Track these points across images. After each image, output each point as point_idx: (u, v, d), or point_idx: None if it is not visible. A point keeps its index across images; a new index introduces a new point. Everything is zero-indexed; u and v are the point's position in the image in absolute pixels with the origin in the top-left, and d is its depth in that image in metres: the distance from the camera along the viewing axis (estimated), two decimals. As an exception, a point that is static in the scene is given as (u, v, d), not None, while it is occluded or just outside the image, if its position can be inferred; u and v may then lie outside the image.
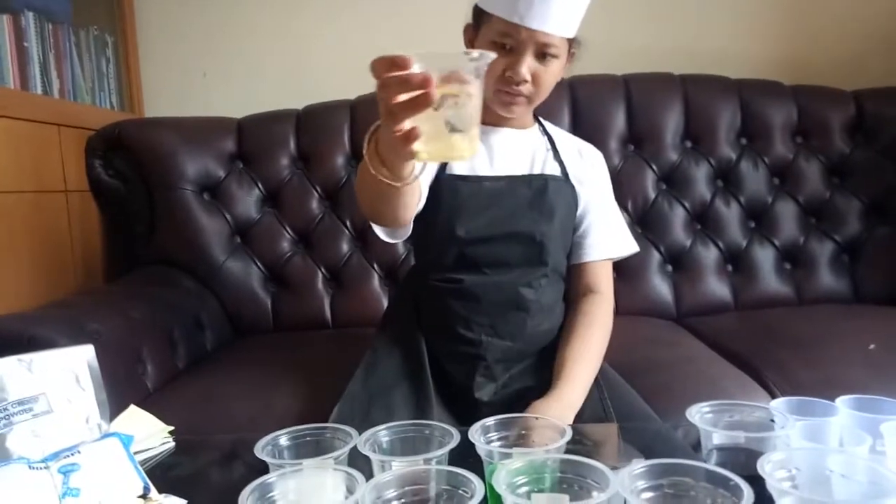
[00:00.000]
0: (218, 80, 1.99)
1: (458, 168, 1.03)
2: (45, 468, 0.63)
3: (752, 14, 1.95)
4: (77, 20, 1.71)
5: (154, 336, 1.34)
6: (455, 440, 0.62)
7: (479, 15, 1.00)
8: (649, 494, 0.52)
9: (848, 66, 1.90)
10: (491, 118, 1.04)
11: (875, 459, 0.61)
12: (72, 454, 0.66)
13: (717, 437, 0.68)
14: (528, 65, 0.95)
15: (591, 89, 1.75)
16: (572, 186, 1.07)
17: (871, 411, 0.72)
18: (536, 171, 1.06)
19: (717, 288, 1.68)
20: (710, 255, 1.69)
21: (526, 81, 0.96)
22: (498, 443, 0.65)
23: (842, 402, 0.74)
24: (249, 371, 1.34)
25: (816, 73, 1.85)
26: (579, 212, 1.09)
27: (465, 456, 0.63)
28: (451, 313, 1.01)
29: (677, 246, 1.70)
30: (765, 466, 0.53)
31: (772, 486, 0.52)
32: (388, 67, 0.56)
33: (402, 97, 0.57)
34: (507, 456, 0.61)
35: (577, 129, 1.71)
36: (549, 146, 1.09)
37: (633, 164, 1.72)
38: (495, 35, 0.96)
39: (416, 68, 0.57)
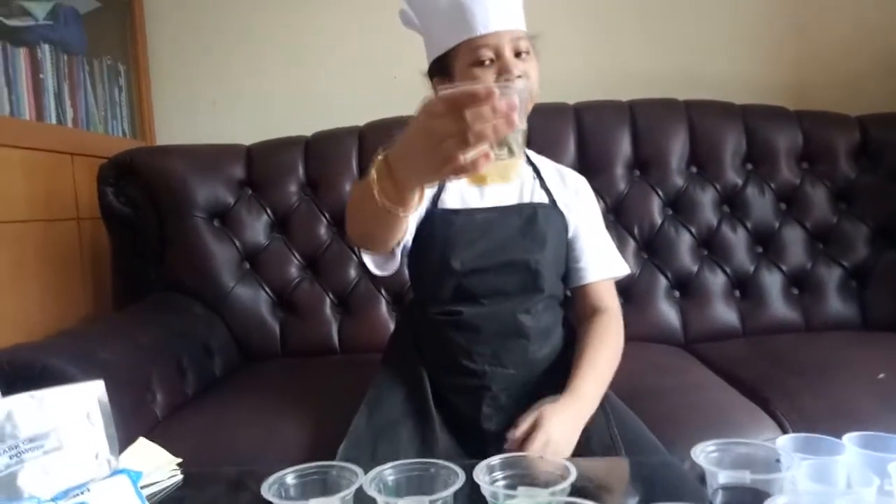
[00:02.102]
0: (228, 107, 2.02)
1: (450, 202, 1.06)
2: (55, 507, 0.64)
3: (755, 38, 1.97)
4: (91, 51, 1.74)
5: (163, 364, 1.35)
6: (460, 481, 0.63)
7: (442, 63, 1.03)
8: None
9: (852, 90, 1.90)
10: None
11: (883, 502, 0.61)
12: (81, 493, 0.66)
13: (723, 477, 0.68)
14: (514, 62, 0.98)
15: (597, 115, 1.77)
16: (561, 213, 1.09)
17: (878, 449, 0.72)
18: (526, 200, 1.08)
19: (725, 314, 1.68)
20: (717, 280, 1.69)
21: (520, 77, 0.98)
22: (503, 482, 0.65)
23: (849, 439, 0.73)
24: (257, 399, 1.35)
25: (820, 98, 1.86)
26: (570, 236, 1.11)
27: (471, 495, 0.63)
28: (453, 345, 1.02)
29: (684, 272, 1.70)
30: (770, 512, 0.53)
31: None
32: (473, 100, 0.59)
33: (490, 125, 0.60)
34: (512, 497, 0.61)
35: (583, 155, 1.73)
36: (535, 175, 1.12)
37: (638, 189, 1.73)
38: (472, 57, 0.99)
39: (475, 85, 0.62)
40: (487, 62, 0.98)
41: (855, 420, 1.13)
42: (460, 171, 0.62)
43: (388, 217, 0.74)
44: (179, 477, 0.89)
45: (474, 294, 1.03)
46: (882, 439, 0.74)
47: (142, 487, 0.73)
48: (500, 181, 0.77)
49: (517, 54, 1.00)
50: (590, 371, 1.01)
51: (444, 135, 0.60)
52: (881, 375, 1.21)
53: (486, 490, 0.63)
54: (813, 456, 0.70)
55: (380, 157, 0.71)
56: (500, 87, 0.60)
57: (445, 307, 1.04)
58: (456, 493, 0.62)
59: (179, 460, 0.91)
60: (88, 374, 1.11)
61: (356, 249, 1.72)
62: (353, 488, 0.63)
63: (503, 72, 0.98)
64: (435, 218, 1.04)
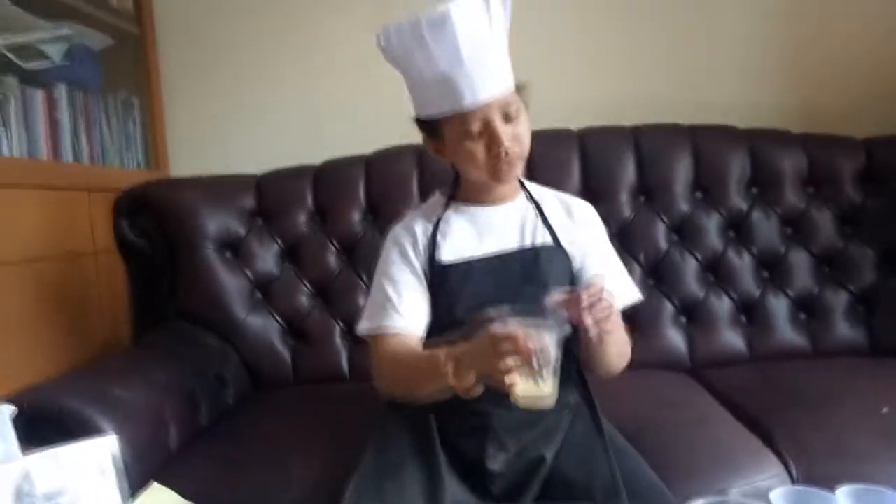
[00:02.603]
0: (239, 136, 2.06)
1: (447, 255, 1.08)
2: (70, 566, 0.67)
3: (758, 62, 1.97)
4: (106, 86, 1.79)
5: (177, 397, 1.38)
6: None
7: (432, 124, 1.05)
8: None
9: (857, 112, 1.90)
10: (476, 197, 1.11)
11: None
12: (95, 550, 0.70)
13: (716, 535, 0.69)
14: (503, 131, 1.00)
15: (601, 142, 1.78)
16: (564, 251, 1.10)
17: (871, 503, 0.73)
18: (527, 243, 1.09)
19: (732, 339, 1.68)
20: (723, 306, 1.70)
21: (512, 146, 1.01)
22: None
23: (842, 493, 0.75)
24: (268, 431, 1.39)
25: (826, 120, 1.85)
26: (577, 268, 1.11)
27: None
28: None
29: (690, 297, 1.71)
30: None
31: None
32: (506, 339, 0.80)
33: (514, 360, 0.80)
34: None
35: (588, 181, 1.75)
36: (536, 213, 1.12)
37: (643, 215, 1.74)
38: (461, 129, 1.01)
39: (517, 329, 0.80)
40: (477, 134, 1.00)
41: (856, 456, 1.15)
42: (502, 385, 0.80)
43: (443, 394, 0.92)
44: (191, 522, 0.92)
45: None
46: (875, 494, 0.75)
47: (154, 537, 0.76)
48: (532, 406, 0.87)
49: (507, 116, 1.01)
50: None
51: (488, 356, 0.82)
52: (885, 410, 1.22)
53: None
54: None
55: (450, 356, 0.90)
56: (536, 327, 0.79)
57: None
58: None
59: (190, 504, 0.94)
60: (104, 414, 1.16)
61: (364, 277, 1.75)
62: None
63: (493, 143, 1.00)
64: (435, 274, 1.07)
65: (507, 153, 1.01)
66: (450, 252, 1.08)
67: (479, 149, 1.01)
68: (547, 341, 0.79)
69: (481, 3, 0.98)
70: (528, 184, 1.17)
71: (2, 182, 1.36)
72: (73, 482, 0.76)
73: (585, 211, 1.18)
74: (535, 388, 0.82)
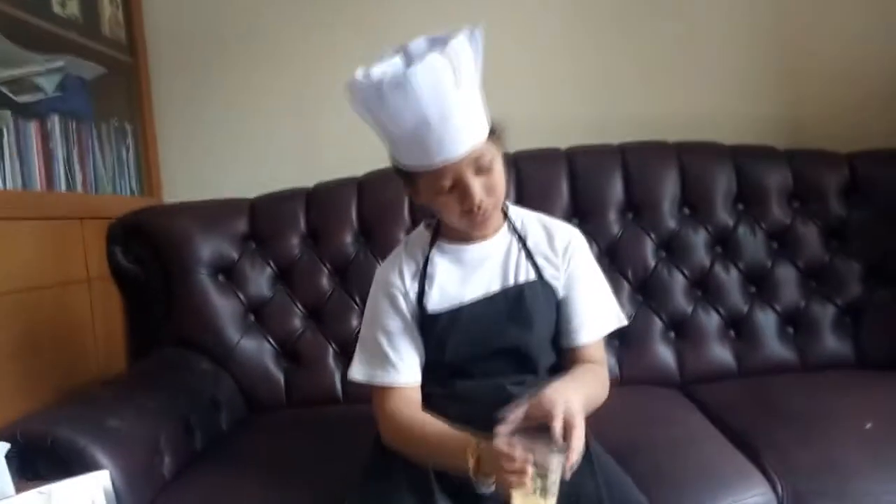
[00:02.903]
0: (232, 160, 2.09)
1: (434, 302, 1.09)
2: None
3: (742, 77, 2.00)
4: (98, 115, 1.82)
5: (171, 425, 1.39)
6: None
7: (406, 173, 1.04)
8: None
9: (841, 127, 1.92)
10: (459, 235, 1.10)
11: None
12: (86, 588, 0.71)
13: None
14: (477, 188, 0.99)
15: (589, 160, 1.80)
16: (548, 285, 1.10)
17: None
18: (511, 281, 1.09)
19: (721, 354, 1.70)
20: (711, 321, 1.72)
21: (484, 200, 1.00)
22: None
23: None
24: (263, 456, 1.40)
25: (809, 136, 1.88)
26: (563, 296, 1.11)
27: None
28: (445, 414, 1.05)
29: (678, 313, 1.72)
30: None
31: None
32: (509, 460, 0.84)
33: (515, 477, 0.84)
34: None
35: (576, 200, 1.77)
36: (520, 247, 1.12)
37: (631, 232, 1.76)
38: (433, 185, 1.00)
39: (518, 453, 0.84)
40: (449, 189, 1.00)
41: (841, 472, 1.17)
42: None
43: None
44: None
45: (465, 371, 1.08)
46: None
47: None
48: None
49: (479, 169, 1.00)
50: (566, 377, 1.03)
51: (496, 467, 0.88)
52: (868, 425, 1.23)
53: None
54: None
55: (473, 451, 0.93)
56: (545, 445, 0.83)
57: (439, 382, 1.09)
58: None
59: (183, 535, 0.95)
60: (97, 444, 1.17)
61: (356, 298, 1.77)
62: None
63: (465, 198, 0.99)
64: (424, 320, 1.08)
65: (479, 207, 1.01)
66: (437, 300, 1.09)
67: (452, 203, 1.01)
68: (553, 464, 0.83)
69: (445, 62, 0.93)
70: (511, 211, 1.16)
71: (-5, 215, 1.38)
72: (64, 519, 0.78)
73: (569, 238, 1.16)
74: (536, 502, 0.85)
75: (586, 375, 1.07)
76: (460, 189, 1.00)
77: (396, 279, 1.12)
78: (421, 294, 1.10)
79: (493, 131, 1.03)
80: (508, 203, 1.17)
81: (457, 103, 0.95)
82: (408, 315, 1.10)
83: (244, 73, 2.06)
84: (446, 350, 1.07)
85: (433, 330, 1.08)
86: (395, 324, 1.11)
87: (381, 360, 1.10)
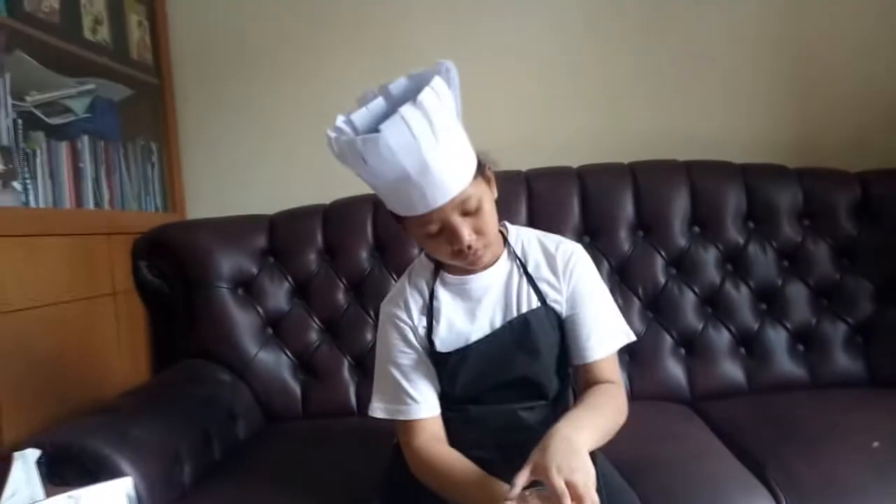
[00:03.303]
0: (252, 176, 2.15)
1: (443, 343, 1.09)
2: None
3: (753, 97, 2.02)
4: (125, 134, 1.89)
5: (191, 435, 1.44)
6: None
7: (395, 216, 1.04)
8: None
9: (852, 146, 1.94)
10: (460, 268, 1.09)
11: None
12: (111, 589, 0.75)
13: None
14: (464, 229, 0.99)
15: (599, 178, 1.83)
16: (551, 309, 1.10)
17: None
18: (514, 311, 1.09)
19: (731, 371, 1.71)
20: (722, 338, 1.73)
21: (474, 240, 1.00)
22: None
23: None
24: (279, 467, 1.44)
25: (820, 155, 1.89)
26: (568, 314, 1.11)
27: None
28: (461, 437, 1.09)
29: (689, 330, 1.74)
30: None
31: None
32: None
33: None
34: None
35: (587, 218, 1.80)
36: (521, 273, 1.11)
37: (642, 250, 1.78)
38: (420, 230, 1.00)
39: None
40: (437, 233, 1.00)
41: (845, 492, 1.18)
42: None
43: None
44: (202, 558, 0.97)
45: (477, 398, 1.10)
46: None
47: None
48: None
49: (466, 212, 0.99)
50: (581, 408, 1.01)
51: None
52: (875, 444, 1.24)
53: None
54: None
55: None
56: None
57: (452, 408, 1.11)
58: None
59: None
60: (121, 453, 1.23)
61: (371, 313, 1.81)
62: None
63: (454, 241, 0.99)
64: (433, 358, 1.10)
65: (469, 248, 1.00)
66: (444, 336, 1.10)
67: (442, 245, 1.01)
68: None
69: (419, 115, 0.91)
70: (511, 234, 1.15)
71: (29, 232, 1.45)
72: (91, 523, 0.83)
73: (569, 256, 1.13)
74: None
75: (599, 401, 1.05)
76: (448, 232, 0.99)
77: (403, 314, 1.12)
78: (429, 330, 1.10)
79: (481, 168, 1.02)
80: (508, 224, 1.17)
81: (435, 154, 0.93)
82: (419, 348, 1.11)
83: (264, 94, 2.13)
84: (457, 385, 1.09)
85: (444, 366, 1.09)
86: (407, 358, 1.11)
87: (400, 395, 1.10)
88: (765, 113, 2.01)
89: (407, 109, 0.90)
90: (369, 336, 1.80)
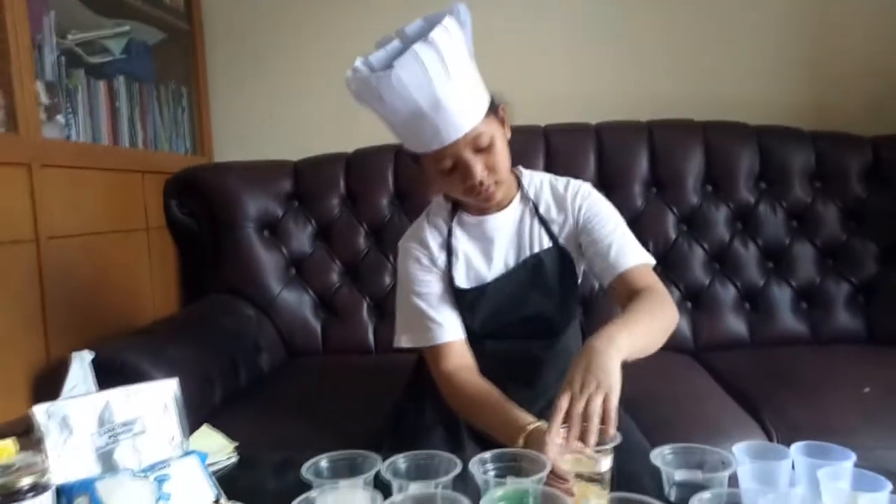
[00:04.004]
0: (278, 124, 2.21)
1: (461, 279, 1.14)
2: (144, 477, 0.82)
3: (772, 61, 2.04)
4: (158, 77, 1.95)
5: (220, 360, 1.54)
6: (458, 469, 0.78)
7: (410, 154, 1.09)
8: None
9: (867, 112, 1.96)
10: (477, 207, 1.14)
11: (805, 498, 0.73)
12: (163, 467, 0.84)
13: (679, 475, 0.81)
14: (476, 165, 1.01)
15: (617, 135, 1.88)
16: (561, 248, 1.14)
17: (822, 457, 0.84)
18: (527, 251, 1.14)
19: (735, 325, 1.78)
20: (728, 293, 1.79)
21: (486, 176, 1.03)
22: (493, 472, 0.80)
23: (795, 447, 0.85)
24: (301, 394, 1.54)
25: (836, 120, 1.92)
26: (584, 244, 1.12)
27: (469, 482, 0.79)
28: (478, 368, 1.14)
29: (696, 284, 1.80)
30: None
31: (702, 518, 0.66)
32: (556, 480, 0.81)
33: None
34: (501, 483, 0.76)
35: (602, 172, 1.85)
36: (533, 214, 1.15)
37: (654, 206, 1.84)
38: (435, 167, 1.03)
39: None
40: (450, 169, 1.02)
41: (836, 432, 1.23)
42: None
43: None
44: (235, 458, 1.07)
45: (492, 334, 1.15)
46: (827, 449, 0.85)
47: (207, 465, 0.91)
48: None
49: (478, 148, 1.01)
50: (624, 314, 0.97)
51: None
52: (866, 389, 1.31)
53: (479, 478, 0.78)
54: (760, 461, 0.82)
55: (523, 436, 0.94)
56: (584, 466, 0.79)
57: (470, 341, 1.16)
58: (455, 479, 0.78)
59: (236, 444, 1.09)
60: (159, 369, 1.32)
61: (390, 257, 1.88)
62: (372, 472, 0.79)
63: (466, 177, 1.02)
64: (456, 294, 1.14)
65: (481, 184, 1.03)
66: (463, 274, 1.15)
67: (454, 182, 1.04)
68: (602, 467, 0.79)
69: (431, 52, 0.94)
70: (524, 177, 1.19)
71: (71, 164, 1.53)
72: (143, 415, 0.91)
73: (574, 193, 1.15)
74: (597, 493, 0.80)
75: (641, 305, 1.00)
76: (461, 168, 1.02)
77: (423, 247, 1.16)
78: (449, 265, 1.14)
79: (494, 107, 1.05)
80: (521, 168, 1.20)
81: (447, 90, 0.95)
82: (440, 277, 1.14)
83: (291, 43, 2.18)
84: (475, 318, 1.14)
85: (462, 302, 1.14)
86: (429, 286, 1.14)
87: (424, 322, 1.13)
88: (782, 78, 2.03)
89: (419, 46, 0.94)
90: (388, 279, 1.88)
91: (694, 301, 1.81)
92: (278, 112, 2.21)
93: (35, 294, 1.41)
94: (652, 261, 1.14)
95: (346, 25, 2.15)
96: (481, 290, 1.14)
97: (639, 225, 1.83)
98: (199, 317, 1.72)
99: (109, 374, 1.27)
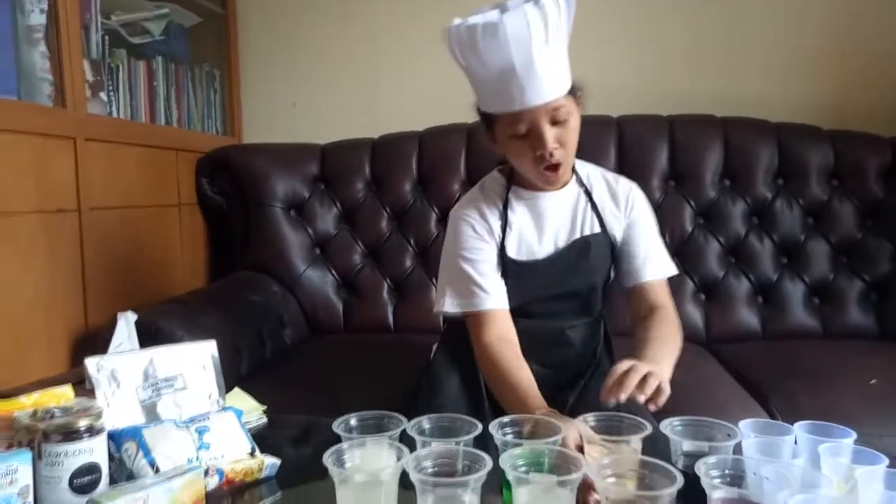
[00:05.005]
0: (306, 109, 2.27)
1: (513, 250, 1.17)
2: (186, 428, 0.88)
3: (794, 59, 2.05)
4: (193, 59, 2.02)
5: (247, 332, 1.61)
6: (478, 430, 0.83)
7: (487, 118, 1.12)
8: (612, 479, 0.72)
9: (887, 112, 1.97)
10: (532, 183, 1.17)
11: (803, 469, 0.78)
12: (203, 420, 0.91)
13: (687, 445, 0.86)
14: (550, 136, 1.04)
15: (637, 129, 1.92)
16: (608, 236, 1.19)
17: (824, 435, 0.88)
18: (578, 233, 1.18)
19: (747, 317, 1.81)
20: (741, 286, 1.82)
21: (556, 149, 1.06)
22: (511, 435, 0.85)
23: (799, 425, 0.89)
24: (324, 367, 1.60)
25: (856, 120, 1.93)
26: (622, 240, 1.19)
27: (487, 444, 0.84)
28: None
29: (711, 276, 1.84)
30: (700, 468, 0.71)
31: (705, 482, 0.70)
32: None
33: None
34: (518, 445, 0.81)
35: (622, 165, 1.88)
36: (587, 200, 1.19)
37: (672, 199, 1.87)
38: (509, 129, 1.06)
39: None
40: (523, 135, 1.05)
41: (840, 419, 1.27)
42: None
43: None
44: (265, 420, 1.13)
45: (531, 313, 1.19)
46: (829, 428, 0.89)
47: (240, 423, 0.97)
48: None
49: (555, 121, 1.04)
50: (654, 342, 1.05)
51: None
52: (873, 381, 1.34)
53: (497, 440, 0.83)
54: (764, 436, 0.86)
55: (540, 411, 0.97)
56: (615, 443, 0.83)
57: None
58: (476, 440, 0.83)
59: (265, 407, 1.15)
60: (191, 335, 1.39)
61: (411, 241, 1.94)
62: (398, 430, 0.85)
63: (538, 145, 1.04)
64: (506, 265, 1.17)
65: (551, 155, 1.05)
66: (515, 247, 1.17)
67: (524, 149, 1.07)
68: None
69: (537, 15, 0.98)
70: (578, 165, 1.23)
71: (112, 139, 1.60)
72: (184, 372, 0.98)
73: (630, 193, 1.22)
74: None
75: (664, 332, 1.09)
76: (534, 135, 1.04)
77: (479, 215, 1.17)
78: (503, 235, 1.17)
79: (575, 91, 1.09)
80: (575, 158, 1.24)
81: (542, 55, 1.00)
82: (492, 247, 1.16)
83: (323, 31, 2.23)
84: (518, 292, 1.17)
85: (511, 273, 1.17)
86: (480, 253, 1.15)
87: (471, 287, 1.14)
88: (805, 75, 2.04)
89: (529, 6, 0.98)
90: (409, 262, 1.94)
91: (707, 293, 1.84)
92: (306, 96, 2.27)
93: (76, 262, 1.48)
94: (675, 271, 1.23)
95: (376, 13, 2.20)
96: (531, 266, 1.17)
97: (656, 217, 1.83)
98: (229, 290, 1.79)
99: (145, 338, 1.36)
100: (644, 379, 0.93)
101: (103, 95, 1.58)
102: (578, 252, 1.17)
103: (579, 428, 0.88)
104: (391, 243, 1.95)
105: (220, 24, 2.16)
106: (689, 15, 2.09)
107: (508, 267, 1.17)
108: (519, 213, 1.19)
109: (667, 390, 0.94)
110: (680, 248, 1.85)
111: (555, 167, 1.08)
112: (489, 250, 1.16)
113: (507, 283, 1.18)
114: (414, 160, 1.96)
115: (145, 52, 1.77)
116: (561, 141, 1.07)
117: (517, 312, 1.19)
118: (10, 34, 1.30)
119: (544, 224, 1.18)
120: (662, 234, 1.83)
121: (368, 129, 2.05)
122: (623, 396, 0.89)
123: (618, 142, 1.90)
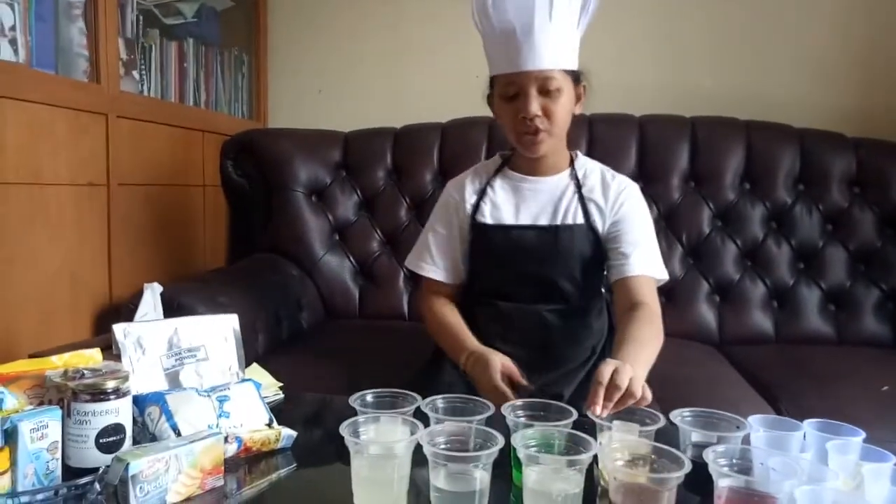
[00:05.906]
0: (331, 96, 2.30)
1: (485, 216, 1.23)
2: (207, 396, 0.91)
3: (819, 65, 2.04)
4: (223, 43, 2.05)
5: (265, 312, 1.64)
6: (491, 411, 0.85)
7: (491, 82, 1.20)
8: (622, 462, 0.74)
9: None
10: (526, 167, 1.22)
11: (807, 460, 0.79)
12: (224, 389, 0.93)
13: (695, 436, 0.87)
14: (534, 101, 1.10)
15: (659, 128, 1.92)
16: (592, 230, 1.20)
17: (833, 433, 0.89)
18: (559, 220, 1.20)
19: (761, 321, 1.81)
20: (757, 290, 1.82)
21: (537, 116, 1.10)
22: (523, 417, 0.87)
23: (808, 423, 0.90)
24: (338, 350, 1.62)
25: (881, 128, 1.92)
26: (611, 235, 1.20)
27: (499, 423, 0.86)
28: (490, 330, 1.22)
29: (726, 279, 1.84)
30: (709, 455, 0.73)
31: (713, 469, 0.72)
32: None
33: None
34: (529, 426, 0.83)
35: (643, 164, 1.89)
36: (575, 190, 1.22)
37: (691, 199, 1.87)
38: (502, 90, 1.13)
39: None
40: (511, 97, 1.13)
41: (849, 423, 1.28)
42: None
43: None
44: (281, 396, 1.16)
45: (508, 295, 1.23)
46: (838, 427, 0.90)
47: (258, 396, 0.99)
48: None
49: (546, 92, 1.11)
50: (630, 343, 1.05)
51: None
52: (885, 388, 1.34)
53: (510, 421, 0.85)
54: (772, 431, 0.88)
55: (469, 358, 1.14)
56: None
57: (484, 298, 1.24)
58: (488, 420, 0.85)
59: (282, 384, 1.18)
60: (211, 313, 1.41)
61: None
62: (413, 407, 0.87)
63: (521, 109, 1.11)
64: (475, 229, 1.23)
65: (531, 120, 1.10)
66: (488, 214, 1.24)
67: (509, 111, 1.13)
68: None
69: None
70: (579, 160, 1.26)
71: (142, 117, 1.63)
72: (206, 343, 1.00)
73: (622, 189, 1.22)
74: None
75: (643, 334, 1.08)
76: (521, 99, 1.11)
77: (457, 192, 1.28)
78: (476, 208, 1.24)
79: (577, 78, 1.14)
80: (579, 153, 1.28)
81: (543, 25, 1.07)
82: (456, 225, 1.27)
83: (350, 21, 2.26)
84: (492, 267, 1.22)
85: (482, 242, 1.22)
86: (442, 230, 1.29)
87: (425, 254, 1.30)
88: (828, 81, 2.03)
89: None
90: (426, 252, 1.95)
91: (722, 295, 1.85)
92: (332, 84, 2.29)
93: (103, 235, 1.52)
94: (665, 277, 1.23)
95: (404, 4, 2.22)
96: (507, 232, 1.21)
97: (674, 217, 1.87)
98: (249, 271, 1.82)
99: (167, 312, 1.39)
100: (628, 391, 0.92)
101: (135, 74, 1.61)
102: (553, 237, 1.20)
103: (503, 363, 1.04)
104: (409, 232, 1.96)
105: (251, 10, 2.19)
106: (713, 15, 2.09)
107: (480, 232, 1.23)
108: (499, 190, 1.26)
109: (648, 397, 0.95)
110: (696, 249, 1.86)
111: (535, 132, 1.13)
112: (451, 232, 1.28)
113: (482, 253, 1.24)
114: (435, 151, 1.98)
115: (177, 33, 1.80)
116: (547, 111, 1.12)
117: (498, 296, 1.23)
118: (52, 9, 1.34)
119: (522, 204, 1.24)
120: (679, 234, 1.88)
121: (392, 119, 2.07)
122: (605, 413, 0.90)
123: (639, 141, 1.91)
